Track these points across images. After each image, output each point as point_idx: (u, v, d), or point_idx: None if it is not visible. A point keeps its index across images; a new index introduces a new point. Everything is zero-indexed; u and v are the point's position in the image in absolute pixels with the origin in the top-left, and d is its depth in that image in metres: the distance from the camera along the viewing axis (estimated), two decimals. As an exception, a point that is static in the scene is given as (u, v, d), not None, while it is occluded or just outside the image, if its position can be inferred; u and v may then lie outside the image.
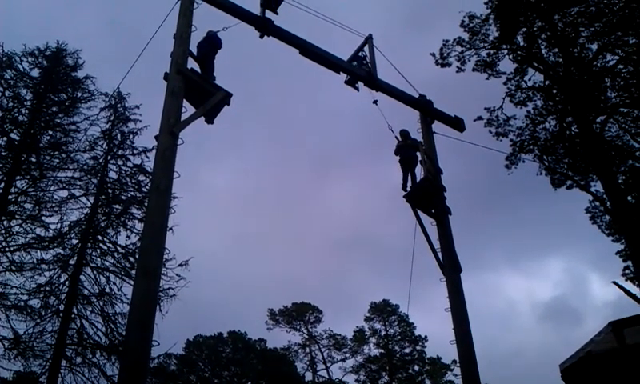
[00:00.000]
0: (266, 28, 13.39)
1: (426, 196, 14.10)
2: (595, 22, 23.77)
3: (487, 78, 26.95)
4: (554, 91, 25.50)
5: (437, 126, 15.60)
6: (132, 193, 25.22)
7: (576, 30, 24.51)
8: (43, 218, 23.22)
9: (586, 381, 15.46)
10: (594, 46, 24.38)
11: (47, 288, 22.34)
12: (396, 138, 15.43)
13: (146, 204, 22.55)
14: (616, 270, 29.12)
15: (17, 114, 24.06)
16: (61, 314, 22.11)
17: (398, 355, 60.08)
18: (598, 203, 26.54)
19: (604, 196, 23.33)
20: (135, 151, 25.72)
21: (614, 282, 19.29)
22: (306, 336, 61.84)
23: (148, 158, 25.28)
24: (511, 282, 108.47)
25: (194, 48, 11.65)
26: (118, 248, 23.93)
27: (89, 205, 24.26)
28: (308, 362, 61.08)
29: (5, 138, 23.31)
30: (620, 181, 23.42)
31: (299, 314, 61.95)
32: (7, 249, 22.10)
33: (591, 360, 14.68)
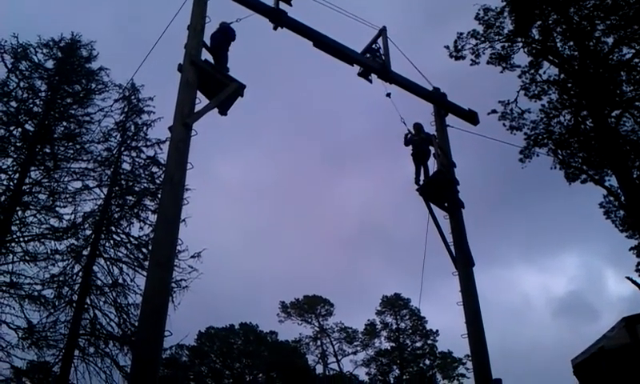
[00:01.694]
0: (279, 20, 13.36)
1: (439, 189, 14.06)
2: (611, 15, 23.50)
3: (501, 71, 26.74)
4: (569, 85, 25.27)
5: (450, 118, 15.56)
6: (145, 184, 25.32)
7: (592, 23, 24.25)
8: (57, 208, 23.35)
9: (598, 376, 15.39)
10: (610, 40, 24.10)
11: (61, 278, 22.48)
12: (409, 130, 15.38)
13: (159, 195, 22.59)
14: (632, 265, 28.91)
15: (31, 105, 24.20)
16: (74, 305, 22.25)
17: (409, 349, 60.18)
18: (612, 198, 26.33)
19: (618, 191, 23.16)
20: (149, 143, 25.85)
21: (628, 278, 19.24)
22: (318, 329, 62.07)
23: (161, 149, 25.38)
24: (526, 277, 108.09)
25: (207, 39, 11.64)
26: (131, 239, 24.04)
27: (102, 196, 24.42)
28: (319, 355, 61.36)
29: (19, 129, 23.44)
30: (635, 175, 23.22)
31: (311, 307, 62.14)
32: (21, 239, 22.26)
33: (604, 355, 14.61)
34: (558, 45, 25.47)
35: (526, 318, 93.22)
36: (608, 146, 22.38)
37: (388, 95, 15.24)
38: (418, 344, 60.28)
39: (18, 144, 23.20)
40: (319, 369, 60.23)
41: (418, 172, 14.94)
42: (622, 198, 22.79)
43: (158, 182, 24.81)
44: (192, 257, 23.60)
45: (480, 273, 12.92)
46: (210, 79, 10.96)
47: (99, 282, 23.25)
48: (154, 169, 25.47)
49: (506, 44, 26.52)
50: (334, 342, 61.72)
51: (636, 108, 24.30)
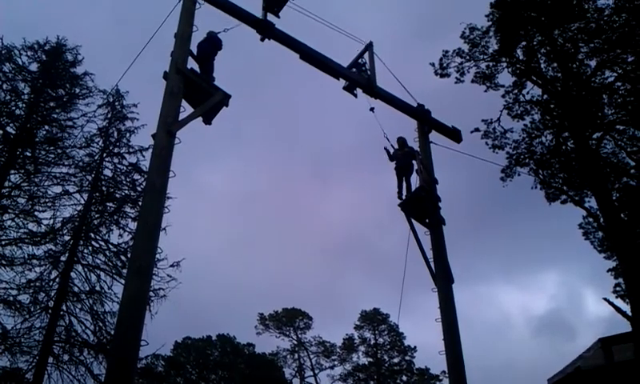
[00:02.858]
0: (267, 31, 13.37)
1: (421, 205, 14.08)
2: (595, 38, 23.85)
3: (486, 90, 27.04)
4: (552, 106, 25.57)
5: (434, 135, 15.62)
6: (126, 191, 25.11)
7: (575, 46, 24.59)
8: (36, 213, 23.08)
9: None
10: (593, 63, 24.48)
11: (37, 284, 22.16)
12: (392, 146, 15.39)
13: (140, 203, 22.43)
14: (610, 286, 29.29)
15: (14, 108, 23.94)
16: (50, 311, 21.94)
17: (386, 365, 60.08)
18: (591, 219, 26.61)
19: (598, 212, 23.37)
20: (131, 150, 25.63)
21: (605, 299, 19.42)
22: (295, 342, 61.76)
23: (144, 156, 25.19)
24: (505, 295, 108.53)
25: (194, 48, 11.63)
26: (110, 246, 23.80)
27: (82, 202, 24.15)
28: (296, 368, 61.03)
29: (0, 132, 23.20)
30: (614, 198, 23.48)
31: (289, 320, 61.84)
32: (-2, 243, 22.00)
33: (579, 376, 14.70)
34: (542, 66, 25.82)
35: (505, 336, 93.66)
36: (588, 167, 22.63)
37: (371, 109, 15.31)
38: (396, 360, 60.22)
39: (-2, 146, 22.96)
40: (296, 383, 60.01)
41: (400, 186, 14.97)
42: (601, 219, 23.02)
43: (139, 189, 24.61)
44: (171, 266, 23.42)
45: (460, 290, 12.97)
46: (195, 88, 10.94)
47: (76, 289, 22.97)
48: (136, 176, 25.28)
49: (491, 63, 26.84)
50: (312, 356, 61.51)
51: (617, 131, 24.63)
